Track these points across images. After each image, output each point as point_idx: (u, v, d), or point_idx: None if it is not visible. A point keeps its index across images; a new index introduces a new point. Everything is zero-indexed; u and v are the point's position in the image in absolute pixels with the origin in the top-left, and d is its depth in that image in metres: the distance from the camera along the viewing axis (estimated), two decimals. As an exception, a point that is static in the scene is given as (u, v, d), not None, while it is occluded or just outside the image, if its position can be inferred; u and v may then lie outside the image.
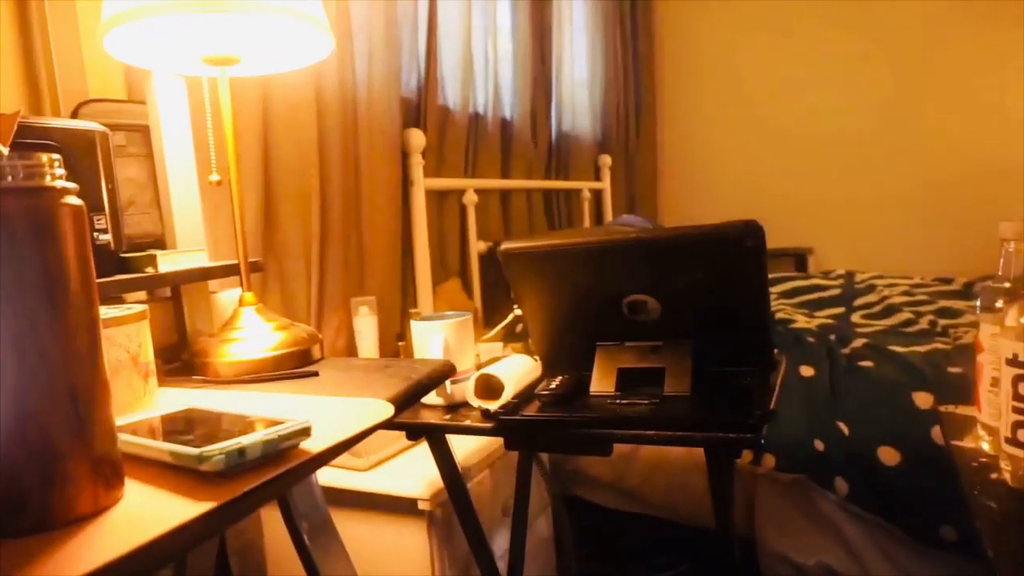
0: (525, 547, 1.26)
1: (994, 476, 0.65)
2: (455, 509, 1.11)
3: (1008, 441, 0.62)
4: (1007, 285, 0.66)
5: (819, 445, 1.37)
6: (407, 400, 0.73)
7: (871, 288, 2.27)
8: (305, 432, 0.54)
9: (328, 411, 0.67)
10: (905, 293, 2.22)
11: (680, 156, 3.67)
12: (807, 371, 1.52)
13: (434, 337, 1.02)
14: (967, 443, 0.74)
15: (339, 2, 1.52)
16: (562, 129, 2.74)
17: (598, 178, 3.06)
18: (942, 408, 0.84)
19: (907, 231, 3.17)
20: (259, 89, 1.34)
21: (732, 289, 0.93)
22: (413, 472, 1.19)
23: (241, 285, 0.91)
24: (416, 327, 1.04)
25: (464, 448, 1.29)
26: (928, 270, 2.68)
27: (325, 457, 0.56)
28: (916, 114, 3.14)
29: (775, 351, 0.99)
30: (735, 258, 0.89)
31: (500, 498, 1.37)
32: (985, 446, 0.69)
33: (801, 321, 1.91)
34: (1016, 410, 0.60)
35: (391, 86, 1.66)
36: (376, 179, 1.65)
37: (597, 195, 3.06)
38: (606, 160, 3.06)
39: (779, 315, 1.99)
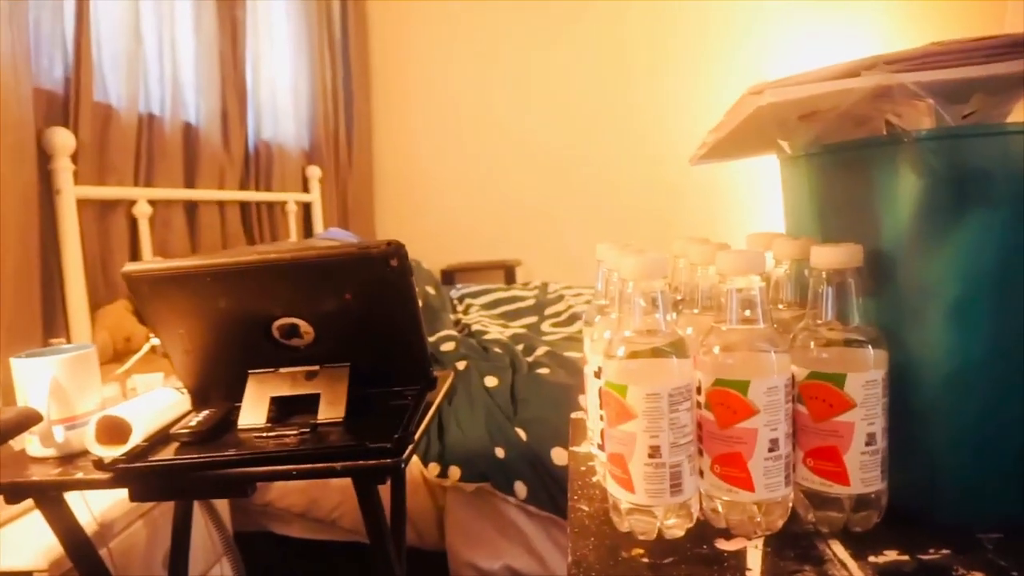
0: (184, 604, 1.12)
1: (594, 479, 0.70)
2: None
3: (599, 447, 0.67)
4: (604, 302, 0.72)
5: (500, 452, 1.43)
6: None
7: (560, 298, 2.47)
8: None
9: None
10: (588, 302, 2.45)
11: (396, 170, 3.68)
12: (491, 381, 1.59)
13: (38, 377, 0.85)
14: (583, 448, 0.79)
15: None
16: (262, 136, 2.57)
17: (307, 190, 2.94)
18: (573, 415, 0.90)
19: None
20: None
21: (383, 309, 0.91)
22: (31, 540, 0.99)
23: None
24: (15, 366, 0.86)
25: (110, 499, 1.11)
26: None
27: None
28: (608, 136, 3.52)
29: (432, 369, 0.99)
30: (381, 278, 0.87)
31: (161, 550, 1.21)
32: (593, 450, 0.74)
33: (495, 332, 2.00)
34: (602, 418, 0.65)
35: (20, 74, 1.39)
36: (3, 187, 1.37)
37: (307, 208, 2.94)
38: (315, 171, 2.95)
39: (476, 327, 2.07)
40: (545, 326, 2.21)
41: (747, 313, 0.55)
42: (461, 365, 1.65)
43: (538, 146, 3.60)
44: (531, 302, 2.43)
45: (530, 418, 1.48)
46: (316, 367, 0.94)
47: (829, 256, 0.55)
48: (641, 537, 0.57)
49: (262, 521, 1.60)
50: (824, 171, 0.64)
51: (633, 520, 0.57)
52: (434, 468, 1.42)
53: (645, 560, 0.54)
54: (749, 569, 0.51)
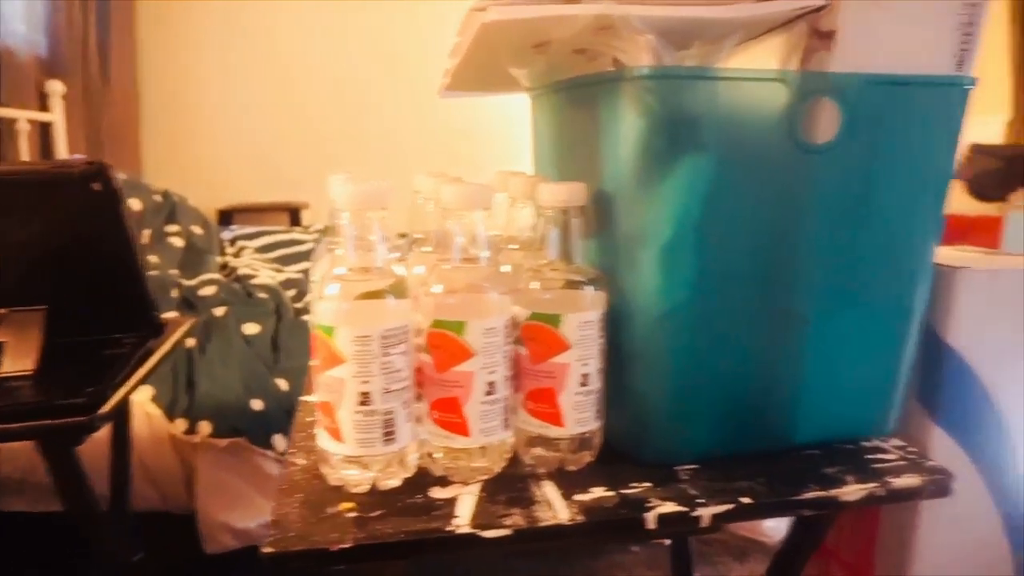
0: None
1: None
2: None
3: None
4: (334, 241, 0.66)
5: (257, 404, 1.32)
6: None
7: (344, 242, 2.36)
8: None
9: None
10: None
11: (169, 96, 3.27)
12: (252, 328, 1.47)
13: None
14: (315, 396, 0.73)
15: None
16: (-22, 36, 2.13)
17: (45, 108, 2.50)
18: (311, 362, 0.84)
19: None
20: None
21: (87, 242, 0.77)
22: None
23: None
24: None
25: None
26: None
27: None
28: (400, 76, 3.38)
29: (157, 313, 0.87)
30: (82, 204, 0.74)
31: None
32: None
33: (265, 276, 1.86)
34: (323, 364, 0.59)
35: None
36: None
37: (45, 130, 2.51)
38: (57, 87, 2.51)
39: (243, 270, 1.90)
40: (325, 272, 2.09)
41: (470, 251, 0.52)
42: (219, 311, 1.50)
43: (326, 84, 3.38)
44: (311, 246, 2.29)
45: (293, 367, 1.39)
46: (2, 311, 0.79)
47: (552, 193, 0.53)
48: (354, 490, 0.53)
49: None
50: (561, 109, 0.62)
51: (344, 473, 0.52)
52: (181, 424, 1.29)
53: (352, 515, 0.50)
54: (457, 516, 0.49)
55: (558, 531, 0.49)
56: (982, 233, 2.21)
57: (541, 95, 0.67)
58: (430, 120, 3.41)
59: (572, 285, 0.53)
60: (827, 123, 0.53)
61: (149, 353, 0.84)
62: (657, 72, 0.49)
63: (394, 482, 0.53)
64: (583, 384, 0.54)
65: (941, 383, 0.64)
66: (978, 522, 0.68)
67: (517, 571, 1.62)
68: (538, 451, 0.56)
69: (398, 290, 0.51)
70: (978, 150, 2.32)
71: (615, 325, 0.55)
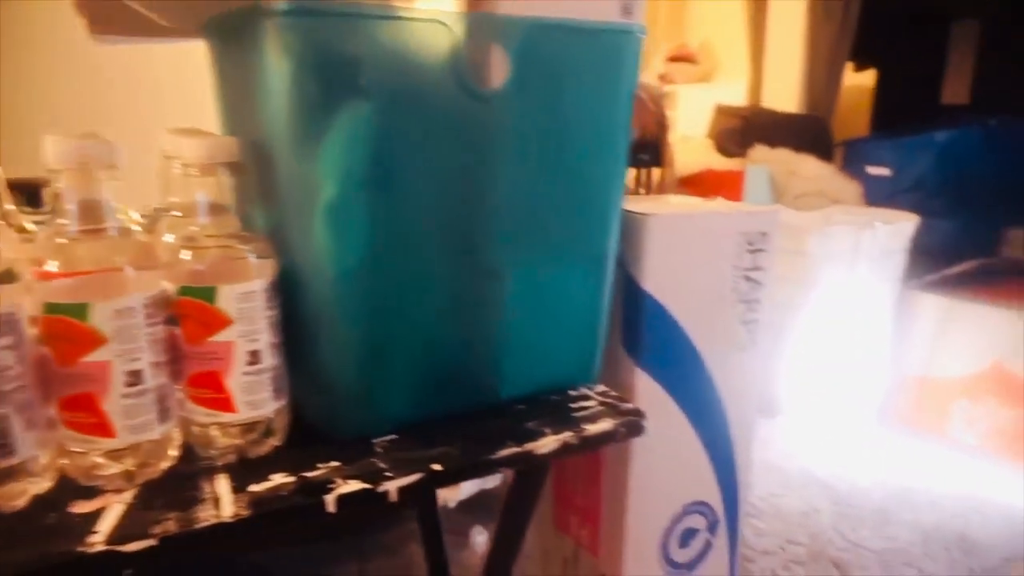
0: None
1: None
2: None
3: None
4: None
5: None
6: None
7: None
8: None
9: None
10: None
11: (18, 66, 2.66)
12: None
13: None
14: None
15: None
16: None
17: None
18: None
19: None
20: None
21: None
22: None
23: None
24: None
25: None
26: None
27: None
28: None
29: None
30: None
31: None
32: None
33: None
34: None
35: None
36: None
37: None
38: None
39: None
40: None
41: (98, 219, 0.44)
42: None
43: (65, 38, 2.94)
44: (44, 228, 1.99)
45: None
46: None
47: (191, 150, 0.46)
48: (-36, 518, 0.43)
49: None
50: (223, 54, 0.55)
51: (-54, 499, 0.43)
52: None
53: (-52, 551, 0.40)
54: (95, 532, 0.42)
55: (219, 531, 0.43)
56: (730, 186, 2.44)
57: (211, 40, 0.59)
58: (179, 75, 3.09)
59: (229, 253, 0.47)
60: (497, 69, 0.51)
61: None
62: (296, 8, 0.44)
63: (19, 502, 0.44)
64: (252, 363, 0.48)
65: (641, 327, 0.67)
66: (683, 451, 0.73)
67: (303, 558, 1.54)
68: (211, 441, 0.49)
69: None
70: (721, 111, 2.55)
71: (290, 293, 0.50)
